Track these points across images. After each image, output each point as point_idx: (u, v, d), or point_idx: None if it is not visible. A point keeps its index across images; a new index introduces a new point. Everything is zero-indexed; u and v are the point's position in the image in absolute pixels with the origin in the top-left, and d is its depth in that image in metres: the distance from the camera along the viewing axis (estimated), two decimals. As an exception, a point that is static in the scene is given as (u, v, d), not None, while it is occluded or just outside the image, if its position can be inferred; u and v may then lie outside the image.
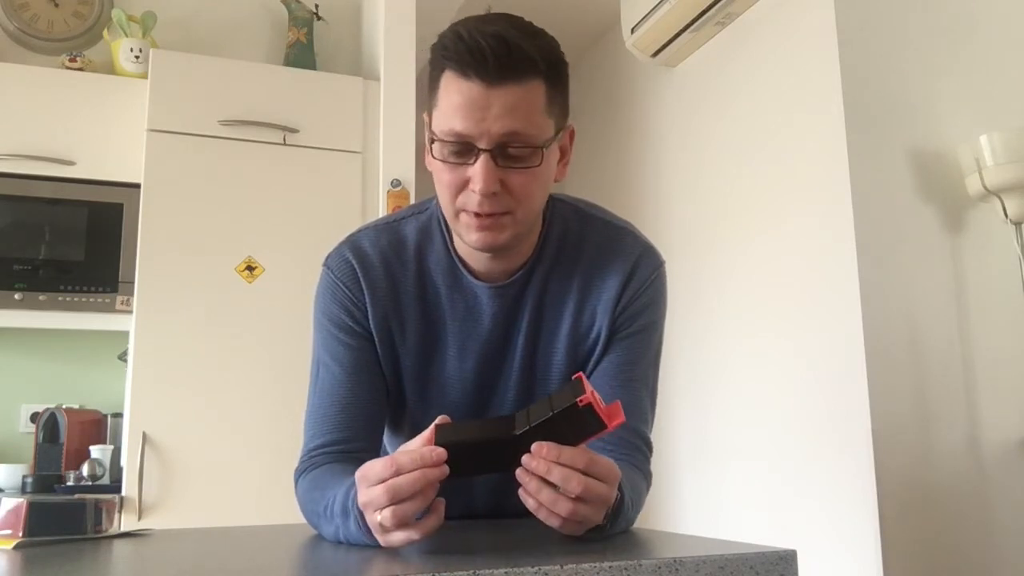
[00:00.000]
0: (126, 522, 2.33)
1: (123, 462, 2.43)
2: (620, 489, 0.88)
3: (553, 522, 0.83)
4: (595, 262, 1.08)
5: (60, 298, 2.58)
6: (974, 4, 2.35)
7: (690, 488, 2.79)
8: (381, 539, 0.82)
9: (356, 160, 2.76)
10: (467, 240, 1.00)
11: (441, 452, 0.79)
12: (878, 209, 2.15)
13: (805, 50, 2.33)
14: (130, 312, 2.53)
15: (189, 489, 2.41)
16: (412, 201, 2.72)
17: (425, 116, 1.02)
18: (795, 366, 2.32)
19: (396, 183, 2.73)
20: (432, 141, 0.97)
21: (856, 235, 2.11)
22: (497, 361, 1.09)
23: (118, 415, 2.73)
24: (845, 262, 2.14)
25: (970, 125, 2.23)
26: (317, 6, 3.13)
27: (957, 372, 2.14)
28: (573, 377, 0.83)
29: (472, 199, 0.95)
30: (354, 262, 1.07)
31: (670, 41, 2.81)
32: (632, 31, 2.89)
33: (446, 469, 0.79)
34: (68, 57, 2.78)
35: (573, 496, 0.80)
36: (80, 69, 2.78)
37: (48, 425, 2.64)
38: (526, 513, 0.84)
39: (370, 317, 1.07)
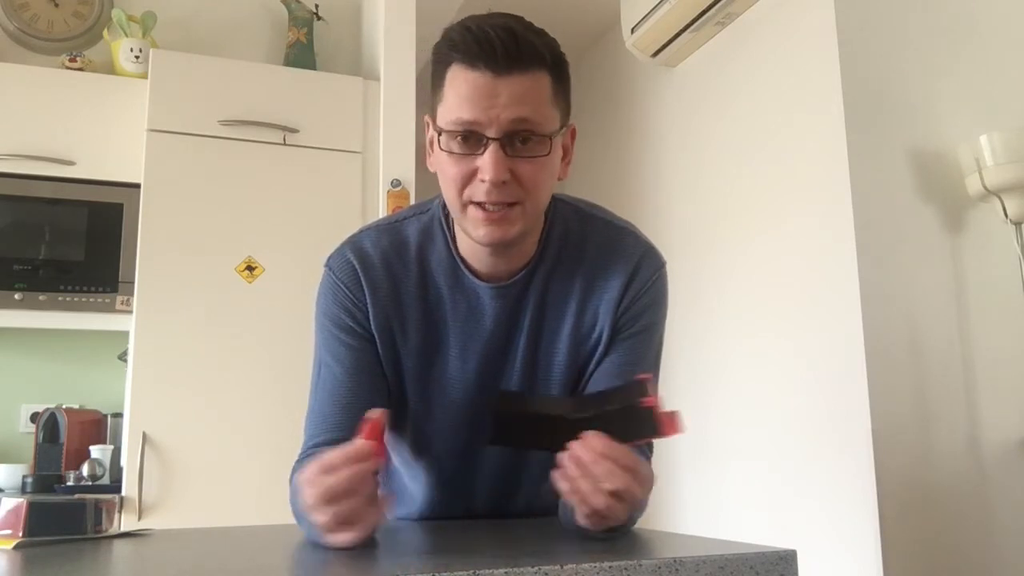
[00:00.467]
0: (126, 522, 2.33)
1: (123, 462, 2.43)
2: None
3: (582, 510, 0.84)
4: (597, 262, 1.08)
5: (60, 298, 2.58)
6: (974, 4, 2.35)
7: (690, 488, 2.79)
8: (329, 540, 0.82)
9: (356, 160, 2.76)
10: (475, 235, 0.99)
11: (370, 445, 0.79)
12: (878, 209, 2.15)
13: (805, 50, 2.33)
14: (130, 312, 2.53)
15: (189, 489, 2.41)
16: (412, 201, 2.72)
17: (426, 118, 1.02)
18: (795, 366, 2.32)
19: (396, 183, 2.73)
20: (439, 134, 0.97)
21: (856, 235, 2.11)
22: (499, 361, 1.09)
23: (118, 415, 2.72)
24: (845, 262, 2.14)
25: (970, 125, 2.22)
26: (317, 6, 3.13)
27: (957, 372, 2.14)
28: (639, 376, 0.83)
29: (481, 189, 0.95)
30: (355, 263, 1.07)
31: (670, 41, 2.81)
32: (632, 31, 2.89)
33: (378, 462, 0.78)
34: (68, 57, 2.78)
35: (612, 490, 0.82)
36: (80, 69, 2.78)
37: (48, 425, 2.63)
38: (526, 513, 0.84)
39: (371, 318, 1.06)
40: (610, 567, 0.69)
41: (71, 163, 2.64)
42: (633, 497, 0.84)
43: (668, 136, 3.04)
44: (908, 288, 2.14)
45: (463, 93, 0.94)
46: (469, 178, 0.96)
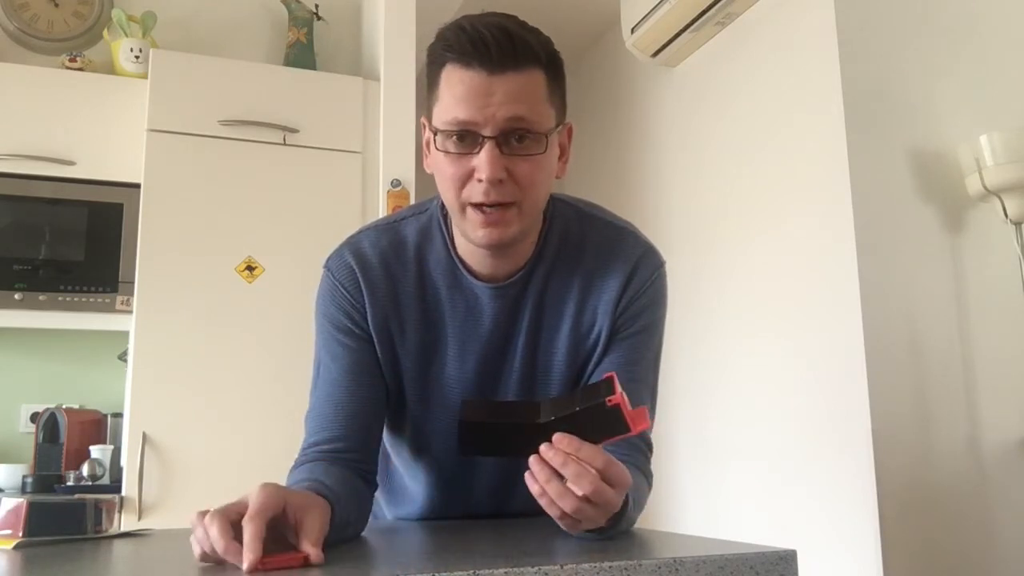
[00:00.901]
0: (126, 522, 2.33)
1: (123, 462, 2.43)
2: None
3: (553, 512, 0.83)
4: (596, 262, 1.08)
5: (60, 298, 2.58)
6: (974, 4, 2.35)
7: (690, 488, 2.79)
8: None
9: (356, 160, 2.76)
10: (473, 236, 0.99)
11: (238, 549, 0.73)
12: (878, 209, 2.15)
13: (805, 50, 2.33)
14: (130, 312, 2.53)
15: (189, 489, 2.41)
16: (412, 201, 2.72)
17: (423, 119, 1.02)
18: (795, 366, 2.32)
19: (396, 183, 2.73)
20: (435, 134, 0.97)
21: (856, 235, 2.11)
22: (498, 362, 1.09)
23: (118, 415, 2.72)
24: (845, 262, 2.14)
25: (970, 125, 2.22)
26: (317, 6, 3.13)
27: (957, 372, 2.14)
28: (605, 375, 0.82)
29: (478, 189, 0.95)
30: (354, 264, 1.07)
31: (670, 41, 2.81)
32: (632, 31, 2.89)
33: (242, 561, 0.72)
34: (68, 57, 2.78)
35: (581, 495, 0.80)
36: (80, 69, 2.78)
37: (48, 425, 2.63)
38: (526, 513, 0.84)
39: (369, 319, 1.06)
40: (610, 567, 0.69)
41: (71, 163, 2.64)
42: (606, 501, 0.81)
43: (668, 136, 3.04)
44: (908, 288, 2.14)
45: (458, 92, 0.94)
46: (466, 178, 0.96)
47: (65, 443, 2.61)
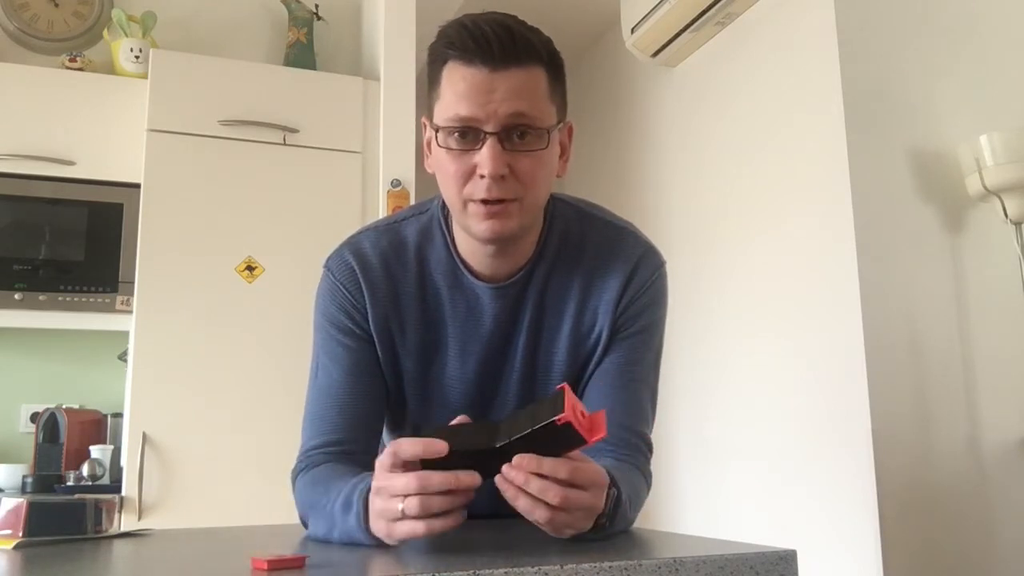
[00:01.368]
0: (126, 522, 2.33)
1: (123, 462, 2.43)
2: (618, 488, 0.88)
3: (534, 521, 0.82)
4: (596, 262, 1.08)
5: (60, 298, 2.58)
6: (974, 4, 2.35)
7: (690, 488, 2.79)
8: (382, 528, 0.82)
9: (356, 160, 2.76)
10: (475, 231, 0.99)
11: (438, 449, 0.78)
12: (878, 209, 2.15)
13: (805, 50, 2.33)
14: (130, 312, 2.53)
15: (189, 489, 2.41)
16: (412, 201, 2.73)
17: (424, 119, 1.02)
18: (795, 366, 2.32)
19: (396, 183, 2.73)
20: (436, 132, 0.97)
21: (856, 235, 2.11)
22: (498, 362, 1.09)
23: (118, 415, 2.72)
24: (845, 262, 2.14)
25: (970, 125, 2.22)
26: (317, 6, 3.13)
27: (957, 372, 2.14)
28: (556, 388, 0.81)
29: (480, 185, 0.95)
30: (354, 264, 1.07)
31: (670, 41, 2.81)
32: (632, 31, 2.89)
33: (477, 478, 0.79)
34: (68, 57, 2.78)
35: (550, 506, 0.80)
36: (80, 69, 2.78)
37: (48, 425, 2.63)
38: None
39: (370, 319, 1.06)
40: (610, 567, 0.69)
41: (71, 163, 2.64)
42: (580, 505, 0.81)
43: (668, 136, 3.04)
44: (908, 288, 2.14)
45: (460, 89, 0.94)
46: (468, 175, 0.96)
47: (65, 443, 2.61)
